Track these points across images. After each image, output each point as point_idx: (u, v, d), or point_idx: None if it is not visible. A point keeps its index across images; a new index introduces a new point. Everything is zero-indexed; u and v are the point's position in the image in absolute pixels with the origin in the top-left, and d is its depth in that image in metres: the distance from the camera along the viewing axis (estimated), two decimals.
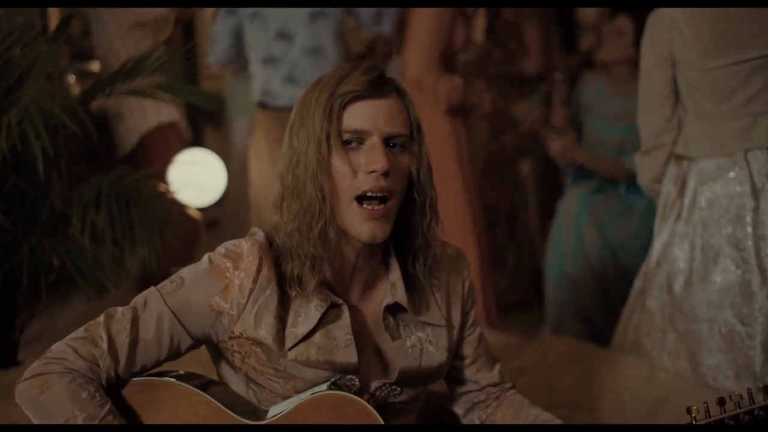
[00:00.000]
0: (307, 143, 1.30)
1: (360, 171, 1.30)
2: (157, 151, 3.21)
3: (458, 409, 1.60)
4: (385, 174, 1.29)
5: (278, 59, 3.34)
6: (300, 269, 1.32)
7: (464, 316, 1.53)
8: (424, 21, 3.16)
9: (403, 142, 1.34)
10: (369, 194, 1.30)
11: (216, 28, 3.48)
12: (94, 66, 3.79)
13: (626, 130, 3.22)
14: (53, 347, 1.29)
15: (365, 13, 3.40)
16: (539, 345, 2.60)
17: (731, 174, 2.17)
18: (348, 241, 1.35)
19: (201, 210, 3.31)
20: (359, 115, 1.30)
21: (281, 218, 1.34)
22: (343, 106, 1.30)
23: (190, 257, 3.23)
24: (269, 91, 3.40)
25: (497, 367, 1.59)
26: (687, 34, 2.15)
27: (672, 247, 2.30)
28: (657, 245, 2.37)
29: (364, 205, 1.30)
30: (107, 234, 2.49)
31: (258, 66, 3.41)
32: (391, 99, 1.34)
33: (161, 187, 2.81)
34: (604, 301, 3.30)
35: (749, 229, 2.14)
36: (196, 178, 3.00)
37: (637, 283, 2.49)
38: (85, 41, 4.03)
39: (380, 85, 1.32)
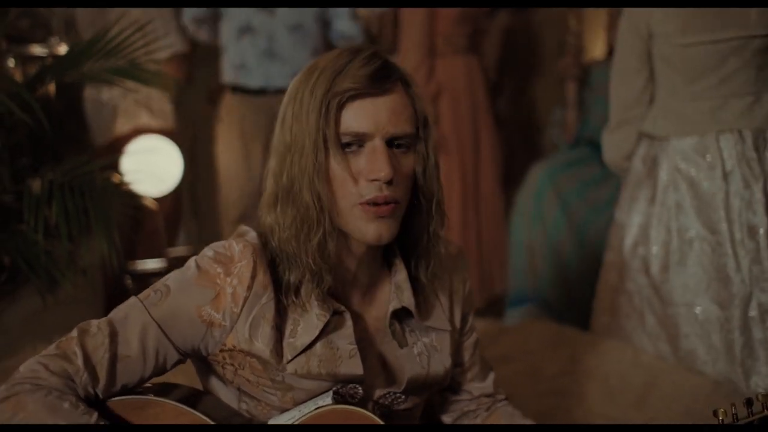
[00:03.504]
0: (301, 143, 1.17)
1: (361, 177, 1.17)
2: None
3: (447, 418, 1.50)
4: (389, 182, 1.16)
5: (256, 30, 3.24)
6: (299, 279, 1.21)
7: (463, 318, 1.43)
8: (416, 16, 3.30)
9: (408, 141, 1.21)
10: (372, 203, 1.18)
11: None
12: (35, 49, 3.59)
13: None
14: (21, 368, 1.14)
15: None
16: (519, 331, 2.55)
17: (705, 156, 2.14)
18: (349, 244, 1.24)
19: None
20: (359, 116, 1.16)
21: (276, 221, 1.21)
22: (341, 106, 1.16)
23: (150, 249, 3.10)
24: (244, 64, 3.28)
25: (491, 376, 1.49)
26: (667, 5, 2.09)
27: (649, 229, 2.26)
28: (633, 226, 2.32)
29: (369, 205, 1.18)
30: (62, 229, 2.33)
31: (233, 36, 3.29)
32: (395, 94, 1.19)
33: (116, 177, 2.65)
34: (558, 272, 3.28)
35: (722, 213, 2.11)
36: (153, 166, 2.84)
37: (606, 265, 2.45)
38: (22, 21, 3.81)
39: (382, 79, 1.17)
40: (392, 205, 1.18)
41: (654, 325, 2.26)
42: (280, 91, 3.19)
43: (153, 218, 3.08)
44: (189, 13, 3.41)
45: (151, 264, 3.03)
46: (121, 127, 3.26)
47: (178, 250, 3.32)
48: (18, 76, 3.28)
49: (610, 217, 3.19)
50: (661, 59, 2.17)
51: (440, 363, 1.34)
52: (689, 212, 2.17)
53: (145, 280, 2.93)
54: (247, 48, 3.27)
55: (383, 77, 1.17)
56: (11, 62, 3.51)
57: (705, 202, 2.14)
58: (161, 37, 2.64)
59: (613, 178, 3.24)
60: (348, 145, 1.17)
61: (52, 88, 3.37)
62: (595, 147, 3.32)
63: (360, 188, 1.17)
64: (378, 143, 1.16)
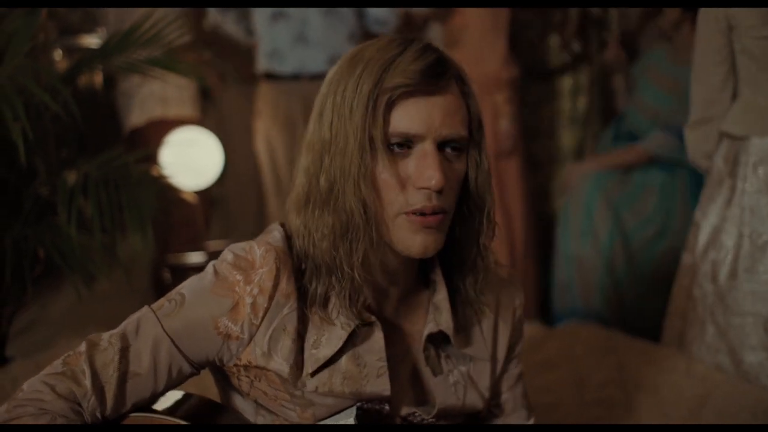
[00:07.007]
0: (343, 143, 1.06)
1: (409, 184, 1.06)
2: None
3: None
4: (439, 191, 1.06)
5: (289, 15, 3.16)
6: (328, 291, 1.11)
7: (510, 349, 1.31)
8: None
9: (461, 145, 1.10)
10: (419, 213, 1.07)
11: None
12: (84, 40, 3.59)
13: (670, 101, 3.07)
14: (24, 386, 1.06)
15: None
16: (564, 335, 2.41)
17: None
18: (386, 254, 1.13)
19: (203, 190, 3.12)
20: (410, 116, 1.05)
21: (307, 226, 1.11)
22: (391, 104, 1.05)
23: (188, 242, 3.06)
24: (277, 51, 3.22)
25: (532, 420, 1.36)
26: None
27: (721, 233, 2.12)
28: (705, 229, 2.18)
29: (416, 215, 1.07)
30: (96, 222, 2.29)
31: (265, 22, 3.22)
32: (450, 92, 1.08)
33: (154, 170, 2.62)
34: (611, 286, 3.14)
35: None
36: (192, 159, 2.79)
37: (683, 268, 2.31)
38: (72, 15, 3.83)
39: (437, 76, 1.06)
40: (440, 215, 1.08)
41: (714, 335, 2.11)
42: (315, 77, 3.14)
43: (191, 211, 3.05)
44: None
45: (191, 257, 3.00)
46: (136, 119, 3.21)
47: (218, 244, 3.28)
48: (64, 67, 3.28)
49: (657, 228, 3.07)
50: (742, 53, 2.03)
51: (477, 395, 1.24)
52: (763, 215, 2.02)
53: (184, 273, 2.89)
54: (279, 33, 3.20)
55: (438, 74, 1.06)
56: (58, 54, 3.53)
57: None
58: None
59: (655, 186, 3.12)
60: (395, 145, 1.07)
61: (99, 79, 3.37)
62: (635, 141, 3.20)
63: (407, 196, 1.07)
64: (429, 147, 1.06)
